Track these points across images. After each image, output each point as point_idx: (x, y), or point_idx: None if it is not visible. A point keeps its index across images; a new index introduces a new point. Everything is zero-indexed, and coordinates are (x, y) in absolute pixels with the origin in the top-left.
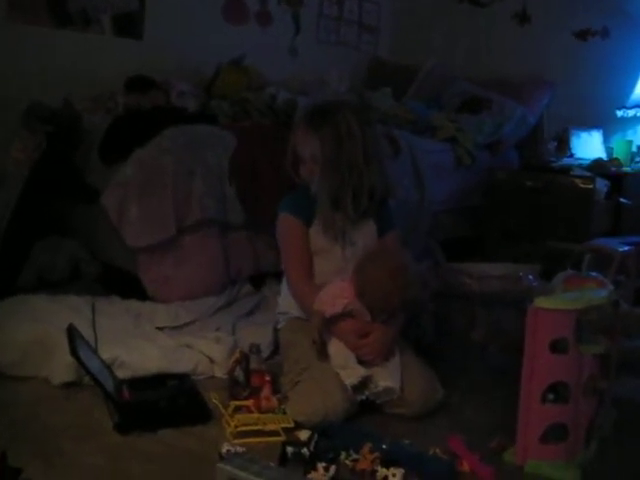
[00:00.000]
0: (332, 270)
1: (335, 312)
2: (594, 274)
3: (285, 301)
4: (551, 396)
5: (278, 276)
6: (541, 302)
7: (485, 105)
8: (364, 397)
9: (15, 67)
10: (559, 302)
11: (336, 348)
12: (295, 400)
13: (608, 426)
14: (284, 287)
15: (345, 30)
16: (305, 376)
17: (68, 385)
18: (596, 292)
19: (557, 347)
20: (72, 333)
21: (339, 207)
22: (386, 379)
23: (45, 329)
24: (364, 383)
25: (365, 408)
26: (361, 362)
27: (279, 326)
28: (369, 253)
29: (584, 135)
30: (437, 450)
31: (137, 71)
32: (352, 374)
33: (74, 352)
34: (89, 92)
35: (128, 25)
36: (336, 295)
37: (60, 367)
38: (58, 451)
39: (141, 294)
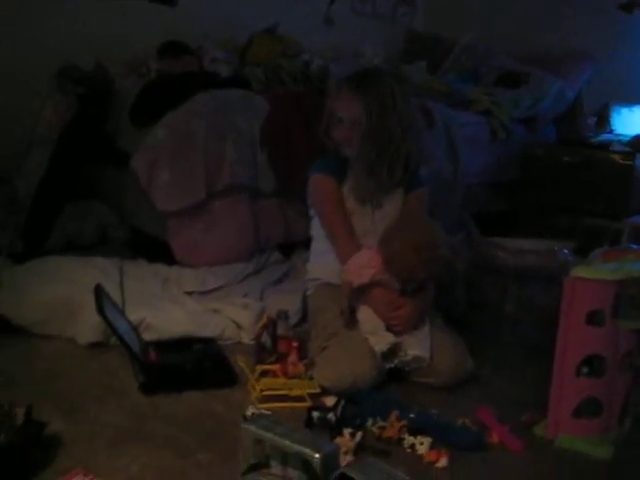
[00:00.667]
0: (360, 232)
1: (362, 282)
2: (635, 246)
3: (314, 267)
4: (585, 369)
5: (308, 245)
6: (579, 271)
7: (523, 79)
8: (393, 365)
9: (48, 32)
10: (597, 272)
11: (366, 315)
12: (322, 366)
13: None
14: (313, 254)
15: (381, 1)
16: (333, 342)
17: (93, 345)
18: (636, 264)
19: (593, 319)
20: (99, 293)
21: (373, 175)
22: (415, 348)
23: (72, 289)
24: (393, 351)
25: (392, 377)
26: (390, 330)
27: (308, 292)
28: (396, 223)
29: (625, 111)
30: (466, 421)
31: (170, 37)
32: (381, 340)
33: (101, 311)
34: (122, 57)
35: None
36: (363, 265)
37: (86, 327)
38: (82, 409)
39: (169, 260)
